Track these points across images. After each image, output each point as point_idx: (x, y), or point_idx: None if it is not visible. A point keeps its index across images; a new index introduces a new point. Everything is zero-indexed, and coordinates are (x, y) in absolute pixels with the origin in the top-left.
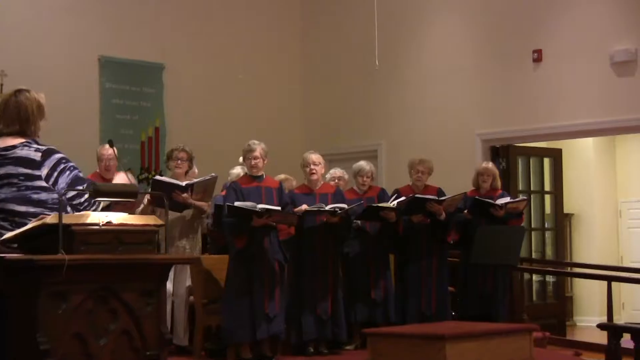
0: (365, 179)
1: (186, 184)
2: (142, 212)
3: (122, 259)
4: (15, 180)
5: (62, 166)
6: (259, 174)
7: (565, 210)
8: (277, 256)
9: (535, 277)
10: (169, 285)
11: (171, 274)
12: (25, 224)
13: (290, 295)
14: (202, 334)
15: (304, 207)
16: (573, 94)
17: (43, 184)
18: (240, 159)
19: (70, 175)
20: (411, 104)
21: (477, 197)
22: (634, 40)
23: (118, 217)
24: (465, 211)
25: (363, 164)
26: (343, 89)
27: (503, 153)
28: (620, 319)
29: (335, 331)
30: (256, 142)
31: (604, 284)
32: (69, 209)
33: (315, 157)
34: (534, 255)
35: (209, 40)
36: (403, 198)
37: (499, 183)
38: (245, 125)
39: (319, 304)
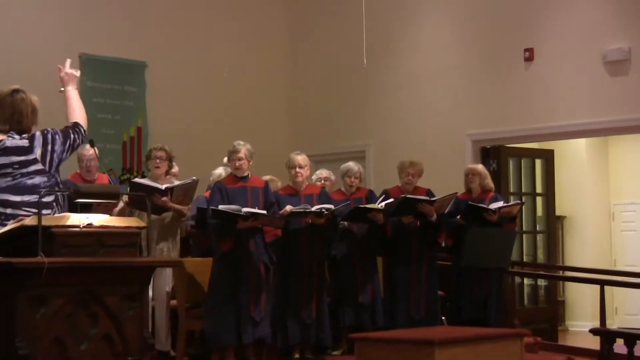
0: (353, 179)
1: (166, 188)
2: (119, 214)
3: (103, 262)
4: (10, 170)
5: (49, 137)
6: (245, 174)
7: (558, 213)
8: (263, 258)
9: (526, 281)
10: (149, 289)
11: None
12: (18, 216)
13: (275, 298)
14: (184, 339)
15: (289, 208)
16: (565, 93)
17: (38, 167)
18: (225, 159)
19: (60, 137)
20: (400, 104)
21: (470, 202)
22: (627, 39)
23: (99, 219)
24: (458, 217)
25: (351, 164)
26: (330, 88)
27: (494, 154)
28: (613, 323)
29: (320, 336)
30: (241, 142)
31: (596, 288)
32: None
33: (301, 158)
34: (525, 259)
35: (193, 37)
36: (391, 200)
37: (490, 183)
38: (230, 125)
39: (304, 307)
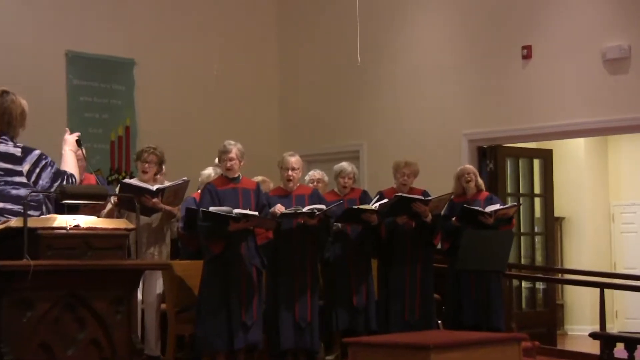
0: (346, 180)
1: (157, 189)
2: (108, 216)
3: (90, 265)
4: None
5: (43, 162)
6: (235, 175)
7: (556, 214)
8: (255, 261)
9: (524, 284)
10: (139, 293)
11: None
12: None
13: (267, 301)
14: (174, 344)
15: (278, 206)
16: (564, 92)
17: (23, 179)
18: (216, 160)
19: (52, 170)
20: (395, 103)
21: (465, 205)
22: (627, 36)
23: (86, 221)
24: (454, 219)
25: (345, 164)
26: (323, 86)
27: (491, 154)
28: (613, 327)
29: (310, 340)
30: (232, 142)
31: (596, 291)
32: (44, 209)
33: (294, 160)
34: (523, 261)
35: (182, 34)
36: (385, 200)
37: (481, 182)
38: (220, 124)
39: (297, 310)
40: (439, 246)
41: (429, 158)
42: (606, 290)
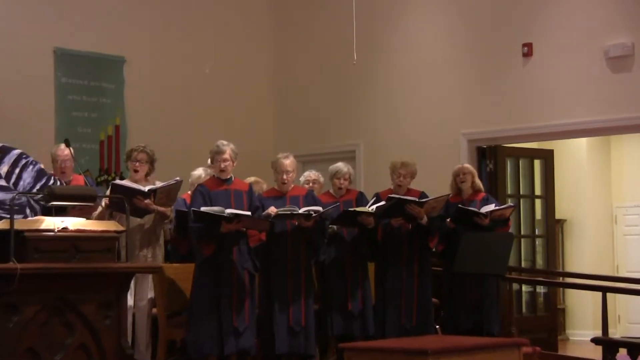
0: (342, 181)
1: (149, 189)
2: (99, 218)
3: (79, 268)
4: None
5: (23, 161)
6: (228, 176)
7: (557, 216)
8: (247, 265)
9: (524, 288)
10: (129, 297)
11: (132, 285)
12: None
13: (261, 305)
14: (165, 349)
15: (272, 209)
16: (565, 90)
17: (2, 182)
18: (209, 160)
19: (35, 169)
20: (392, 102)
21: (460, 205)
22: (630, 33)
23: (75, 223)
24: (448, 220)
25: (340, 165)
26: (319, 85)
27: (490, 154)
28: (615, 332)
29: (306, 345)
30: (225, 142)
31: (598, 295)
32: (28, 211)
33: (289, 163)
34: (523, 264)
35: (173, 31)
36: (382, 202)
37: (479, 183)
38: (213, 123)
39: (292, 314)
40: (434, 249)
41: (427, 158)
42: (608, 294)
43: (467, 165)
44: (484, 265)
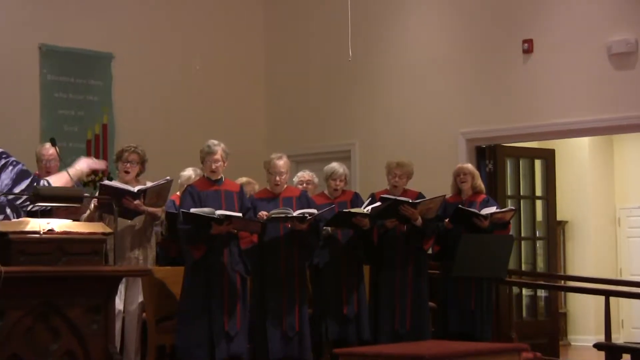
0: (338, 182)
1: (138, 190)
2: (88, 220)
3: (65, 271)
4: None
5: (2, 161)
6: (219, 177)
7: (559, 218)
8: (238, 267)
9: (525, 292)
10: (119, 301)
11: (122, 289)
12: None
13: (253, 310)
14: (154, 355)
15: (263, 213)
16: (567, 88)
17: None
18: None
19: (15, 170)
20: (388, 100)
21: (459, 206)
22: (633, 29)
23: (61, 225)
24: (447, 220)
25: (336, 166)
26: (313, 82)
27: (490, 154)
28: (619, 338)
29: (300, 350)
30: (216, 142)
31: (601, 299)
32: (9, 211)
33: (282, 164)
34: (523, 267)
35: (163, 27)
36: (378, 204)
37: (481, 184)
38: (203, 122)
39: (285, 319)
40: (430, 251)
41: (424, 158)
42: (611, 298)
43: (467, 165)
44: (483, 268)
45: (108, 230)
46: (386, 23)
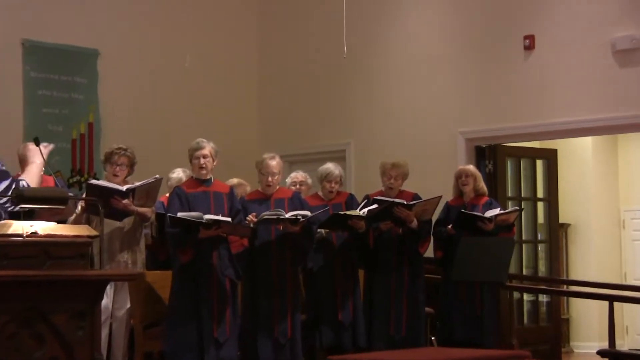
0: (333, 184)
1: (127, 189)
2: (75, 222)
3: (49, 276)
4: None
5: None
6: (207, 177)
7: (561, 220)
8: (228, 272)
9: (526, 297)
10: (108, 307)
11: (110, 293)
12: None
13: (244, 315)
14: None
15: (252, 217)
16: (570, 86)
17: None
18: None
19: None
20: (384, 98)
21: (462, 210)
22: (638, 25)
23: (45, 227)
24: (450, 226)
25: (331, 167)
26: (306, 80)
27: (490, 154)
28: (623, 344)
29: (292, 357)
30: (204, 140)
31: (604, 304)
32: None
33: (275, 164)
34: (524, 271)
35: (151, 23)
36: (375, 206)
37: (483, 186)
38: (193, 121)
39: (277, 325)
40: (425, 254)
41: (422, 159)
42: (616, 304)
43: (469, 166)
44: (483, 272)
45: (94, 232)
46: (382, 19)
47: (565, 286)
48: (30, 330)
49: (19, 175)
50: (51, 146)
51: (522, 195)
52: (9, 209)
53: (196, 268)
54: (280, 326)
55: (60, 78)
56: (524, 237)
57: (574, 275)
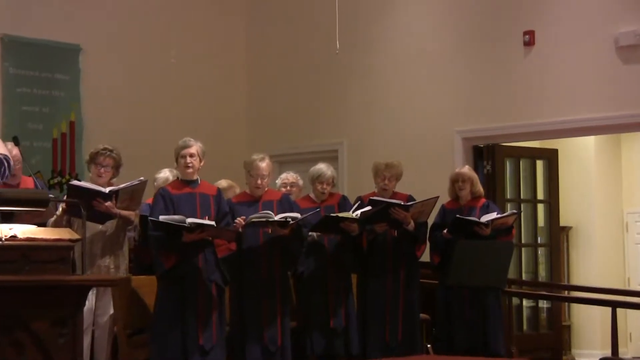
0: (325, 186)
1: (110, 191)
2: (56, 224)
3: (29, 281)
4: None
5: None
6: (194, 177)
7: (562, 223)
8: (214, 277)
9: (525, 303)
10: (90, 313)
11: (92, 299)
12: None
13: (232, 322)
14: None
15: (240, 220)
16: (571, 83)
17: None
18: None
19: None
20: (378, 96)
21: (457, 216)
22: None
23: (25, 230)
24: (445, 231)
25: (323, 167)
26: (297, 77)
27: (488, 154)
28: (626, 352)
29: None
30: (191, 139)
31: (607, 310)
32: None
33: (265, 166)
34: (524, 276)
35: (136, 17)
36: (368, 208)
37: (480, 189)
38: (180, 120)
39: (266, 332)
40: (421, 259)
41: (418, 159)
42: (619, 310)
43: (465, 170)
44: (480, 277)
45: (75, 236)
46: (376, 14)
47: (566, 292)
48: (10, 337)
49: None
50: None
51: (522, 197)
52: None
53: (181, 273)
54: (269, 333)
55: (40, 75)
56: (523, 241)
57: (576, 281)
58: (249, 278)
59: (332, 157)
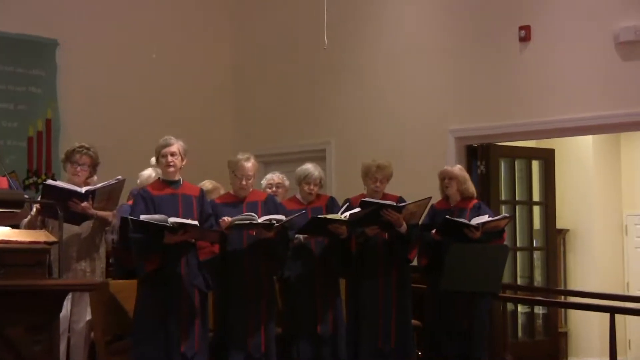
0: (312, 186)
1: (86, 191)
2: (30, 226)
3: (4, 286)
4: None
5: None
6: (176, 178)
7: (559, 226)
8: (197, 281)
9: (521, 308)
10: (65, 319)
11: (67, 304)
12: None
13: (215, 328)
14: None
15: (226, 219)
16: (569, 81)
17: None
18: (153, 160)
19: None
20: (367, 95)
21: (447, 217)
22: None
23: None
24: (434, 231)
25: (310, 168)
26: (284, 74)
27: (482, 154)
28: None
29: None
30: (172, 137)
31: (606, 316)
32: None
33: (250, 166)
34: (519, 281)
35: (115, 11)
36: (358, 209)
37: (470, 188)
38: (162, 118)
39: (250, 338)
40: (414, 262)
41: (409, 159)
42: (617, 316)
43: (454, 168)
44: (474, 282)
45: (52, 238)
46: (366, 8)
47: (563, 297)
48: None
49: None
50: None
51: (517, 199)
52: None
53: (162, 277)
54: (253, 340)
55: (15, 70)
56: (518, 244)
57: (573, 285)
58: (232, 282)
59: (319, 157)
